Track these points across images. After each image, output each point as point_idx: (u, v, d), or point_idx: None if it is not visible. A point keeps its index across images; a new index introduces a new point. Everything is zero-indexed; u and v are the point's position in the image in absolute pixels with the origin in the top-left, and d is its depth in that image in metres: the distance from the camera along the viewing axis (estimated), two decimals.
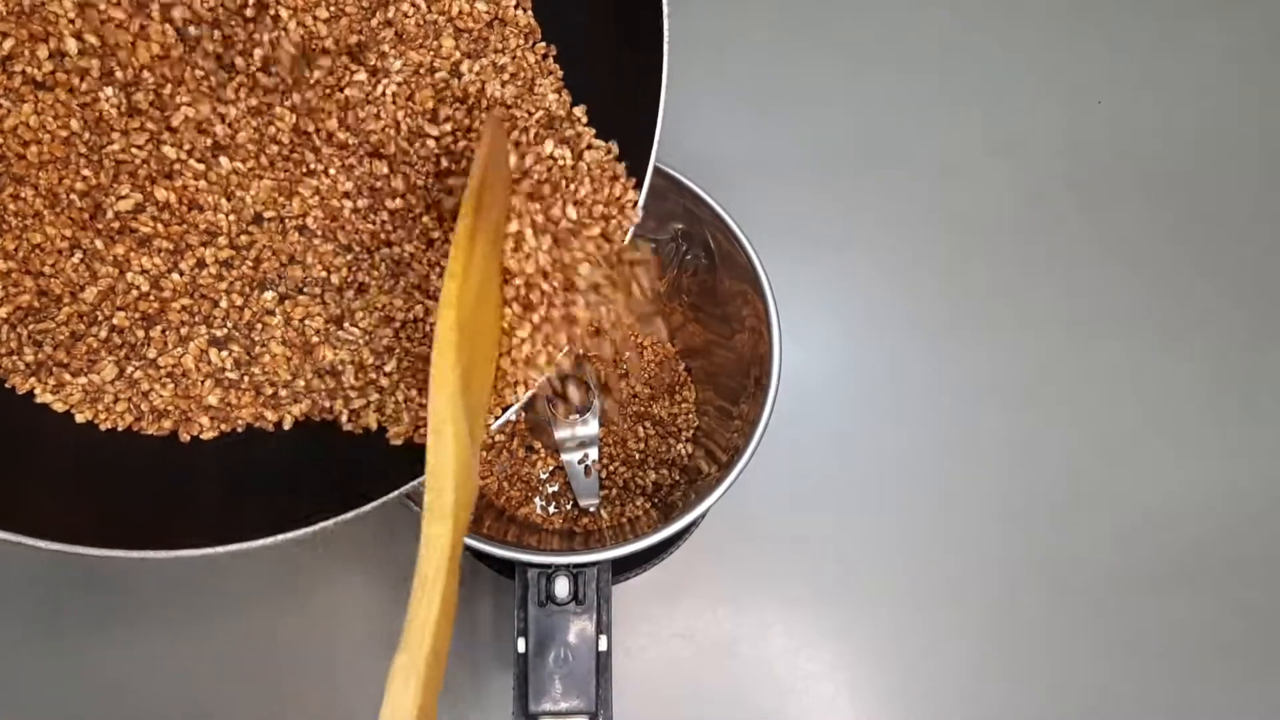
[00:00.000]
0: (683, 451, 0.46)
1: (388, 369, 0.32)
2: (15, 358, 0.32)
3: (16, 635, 0.46)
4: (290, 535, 0.29)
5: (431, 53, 0.33)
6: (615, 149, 0.33)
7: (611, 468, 0.45)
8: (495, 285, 0.30)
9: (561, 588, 0.34)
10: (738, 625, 0.48)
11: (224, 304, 0.33)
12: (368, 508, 0.30)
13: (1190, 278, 0.53)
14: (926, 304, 0.52)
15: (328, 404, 0.32)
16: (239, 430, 0.33)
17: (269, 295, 0.33)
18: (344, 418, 0.32)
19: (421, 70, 0.33)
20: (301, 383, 0.33)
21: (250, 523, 0.30)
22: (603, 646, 0.34)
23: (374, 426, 0.32)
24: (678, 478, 0.45)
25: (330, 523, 0.30)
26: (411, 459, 0.31)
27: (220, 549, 0.29)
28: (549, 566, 0.35)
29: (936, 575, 0.49)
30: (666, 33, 0.32)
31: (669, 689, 0.47)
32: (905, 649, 0.48)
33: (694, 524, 0.46)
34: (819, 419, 0.50)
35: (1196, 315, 0.53)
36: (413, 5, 0.33)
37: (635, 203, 0.32)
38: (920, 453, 0.50)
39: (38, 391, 0.32)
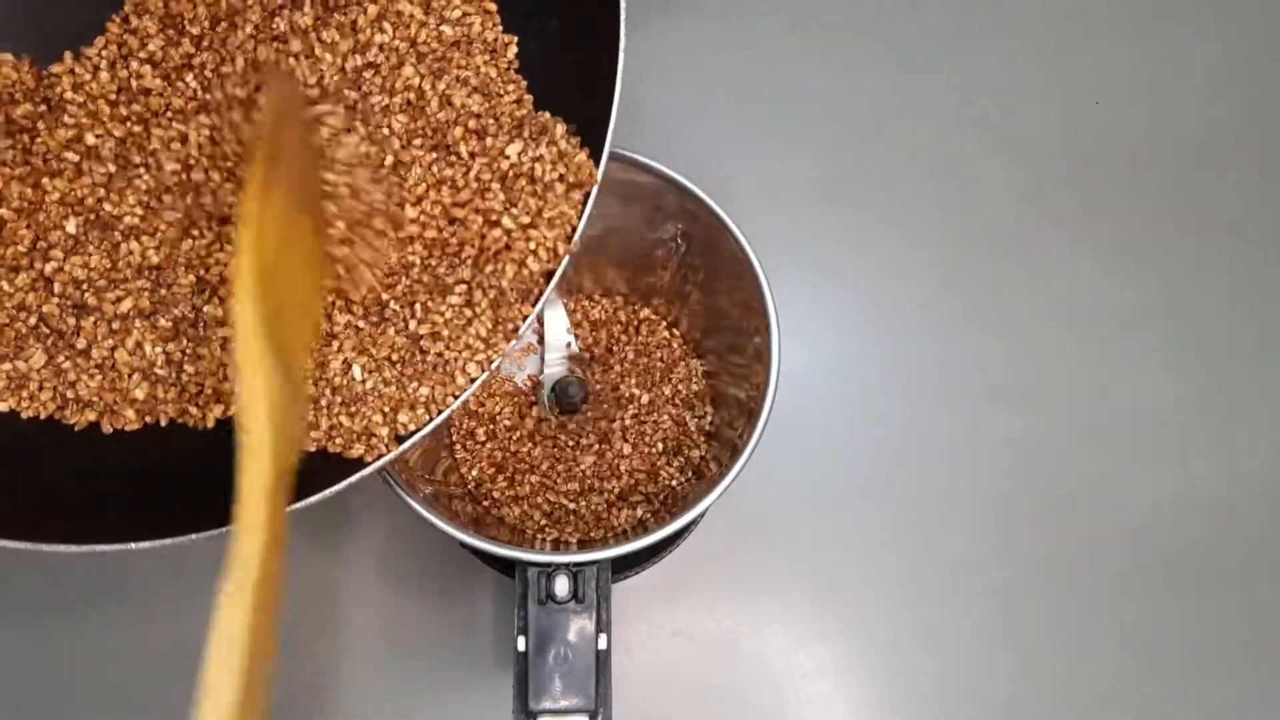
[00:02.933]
0: (694, 455, 0.46)
1: (326, 375, 0.32)
2: None
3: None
4: (203, 535, 0.30)
5: (392, 83, 0.33)
6: (578, 143, 0.33)
7: (625, 474, 0.46)
8: (302, 234, 0.31)
9: (561, 586, 0.35)
10: (737, 624, 0.48)
11: (180, 310, 0.33)
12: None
13: (1190, 277, 0.53)
14: (926, 303, 0.52)
15: None
16: (161, 424, 0.33)
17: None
18: None
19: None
20: (228, 385, 0.33)
21: (168, 519, 0.30)
22: (602, 645, 0.34)
23: None
24: (689, 476, 0.46)
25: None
26: (326, 468, 0.32)
27: (138, 545, 0.29)
28: (549, 565, 0.35)
29: (936, 574, 0.49)
30: (623, 32, 0.32)
31: (668, 687, 0.47)
32: (904, 648, 0.48)
33: (693, 523, 0.46)
34: (819, 418, 0.51)
35: (1196, 315, 0.53)
36: (381, 34, 0.33)
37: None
38: (920, 452, 0.50)
39: None
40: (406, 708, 0.47)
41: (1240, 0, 0.57)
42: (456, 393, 0.32)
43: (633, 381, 0.47)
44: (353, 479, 0.31)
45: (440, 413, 0.32)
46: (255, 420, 0.26)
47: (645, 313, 0.48)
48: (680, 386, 0.47)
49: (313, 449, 0.32)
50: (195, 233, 0.33)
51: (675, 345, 0.48)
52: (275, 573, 0.25)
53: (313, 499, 0.30)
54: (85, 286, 0.33)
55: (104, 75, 0.33)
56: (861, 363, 0.52)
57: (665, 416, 0.47)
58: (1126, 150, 0.54)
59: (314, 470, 0.32)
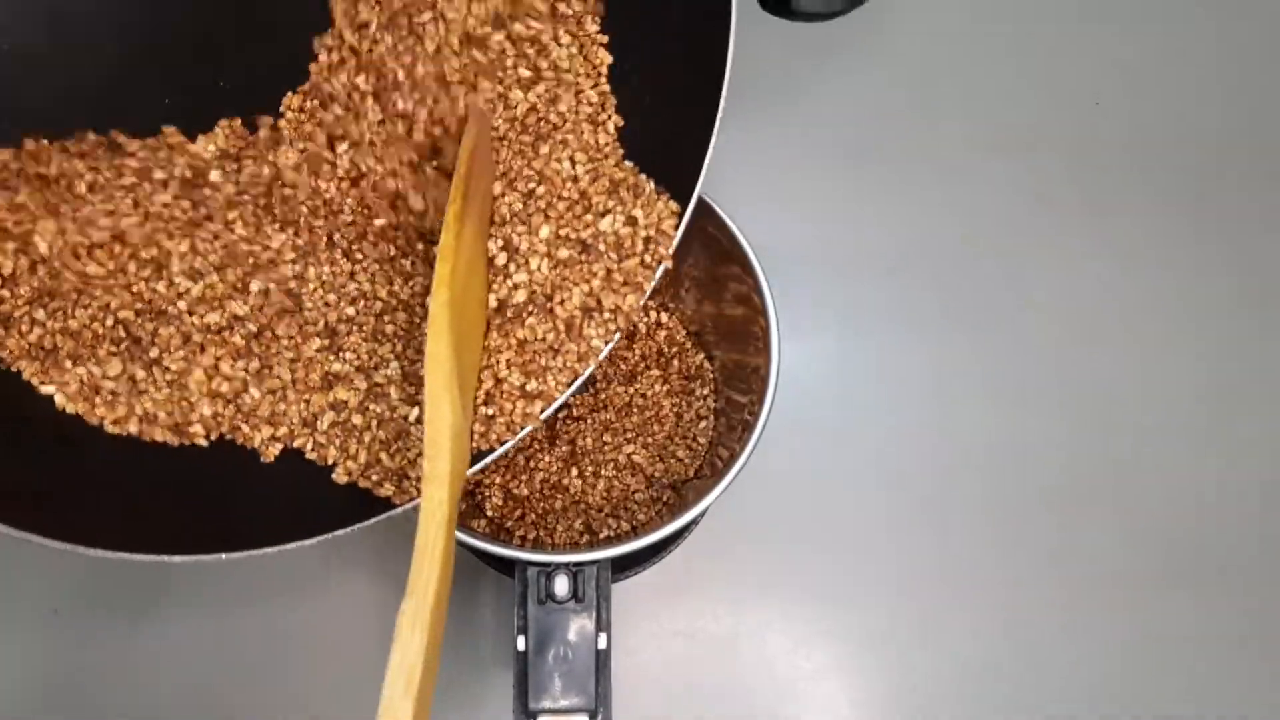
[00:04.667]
0: (694, 454, 0.46)
1: (375, 408, 0.33)
2: (21, 338, 0.32)
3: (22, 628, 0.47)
4: (236, 555, 0.30)
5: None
6: (677, 209, 0.34)
7: (626, 473, 0.46)
8: (481, 269, 0.32)
9: (561, 586, 0.35)
10: (737, 624, 0.48)
11: (252, 326, 0.34)
12: (290, 546, 0.31)
13: (1191, 277, 0.53)
14: (926, 303, 0.52)
15: (300, 432, 0.33)
16: (211, 441, 0.33)
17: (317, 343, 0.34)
18: (309, 445, 0.33)
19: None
20: (283, 407, 0.33)
21: (194, 535, 0.30)
22: (602, 644, 0.34)
23: (331, 460, 0.33)
24: (690, 475, 0.46)
25: (259, 552, 0.30)
26: (349, 502, 0.32)
27: (179, 558, 0.30)
28: (549, 565, 0.35)
29: (935, 574, 0.49)
30: (723, 102, 0.33)
31: (668, 687, 0.47)
32: (904, 647, 0.48)
33: (693, 523, 0.46)
34: (819, 418, 0.51)
35: (1198, 314, 0.53)
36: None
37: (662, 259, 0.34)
38: (920, 452, 0.50)
39: (36, 381, 0.32)
40: None
41: (1242, 1, 0.57)
42: (494, 445, 0.32)
43: (633, 379, 0.47)
44: (376, 519, 0.31)
45: (474, 463, 0.32)
46: (440, 448, 0.27)
47: (645, 311, 0.48)
48: (680, 385, 0.47)
49: (344, 481, 0.32)
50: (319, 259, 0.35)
51: (675, 344, 0.48)
52: (444, 604, 0.26)
53: (332, 534, 0.31)
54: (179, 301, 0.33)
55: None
56: (861, 362, 0.52)
57: (666, 415, 0.46)
58: (1127, 150, 0.54)
59: (334, 502, 0.32)
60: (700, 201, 0.39)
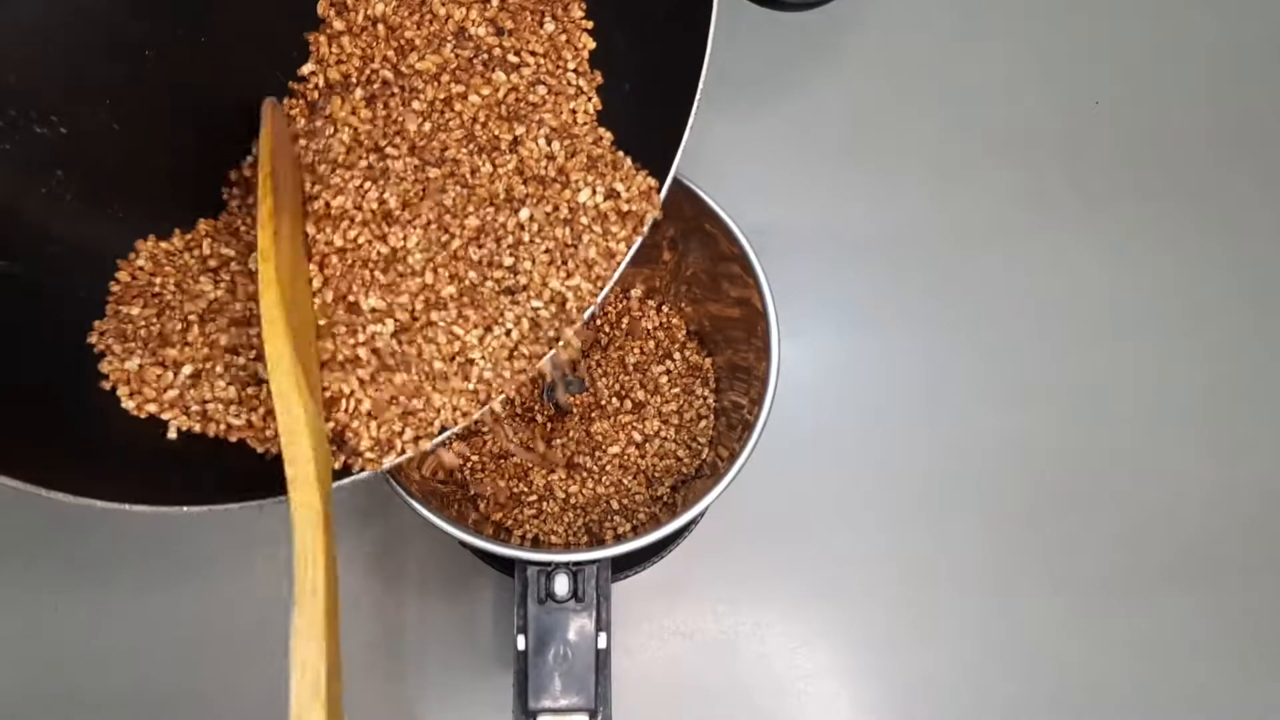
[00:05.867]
0: (694, 454, 0.46)
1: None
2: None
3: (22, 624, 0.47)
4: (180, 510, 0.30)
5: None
6: (655, 183, 0.34)
7: (625, 472, 0.46)
8: (302, 257, 0.31)
9: (561, 585, 0.35)
10: (736, 623, 0.48)
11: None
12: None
13: (1190, 277, 0.53)
14: (925, 303, 0.52)
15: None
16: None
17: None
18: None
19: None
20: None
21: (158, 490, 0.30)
22: (602, 644, 0.34)
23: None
24: (690, 475, 0.46)
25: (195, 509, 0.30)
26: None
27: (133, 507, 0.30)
28: (548, 564, 0.35)
29: (934, 574, 0.49)
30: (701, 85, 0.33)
31: (668, 686, 0.47)
32: (903, 647, 0.48)
33: (693, 522, 0.46)
34: (819, 417, 0.51)
35: (1197, 314, 0.53)
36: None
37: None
38: (919, 452, 0.50)
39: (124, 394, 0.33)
40: (406, 707, 0.47)
41: (1241, 1, 0.57)
42: (448, 423, 0.32)
43: (634, 379, 0.47)
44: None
45: (428, 439, 0.32)
46: (302, 451, 0.26)
47: (645, 310, 0.48)
48: (680, 384, 0.47)
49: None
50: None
51: (675, 343, 0.48)
52: (335, 604, 0.26)
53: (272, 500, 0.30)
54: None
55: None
56: (860, 362, 0.52)
57: (669, 414, 0.46)
58: (1125, 150, 0.54)
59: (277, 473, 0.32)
60: (700, 201, 0.39)
